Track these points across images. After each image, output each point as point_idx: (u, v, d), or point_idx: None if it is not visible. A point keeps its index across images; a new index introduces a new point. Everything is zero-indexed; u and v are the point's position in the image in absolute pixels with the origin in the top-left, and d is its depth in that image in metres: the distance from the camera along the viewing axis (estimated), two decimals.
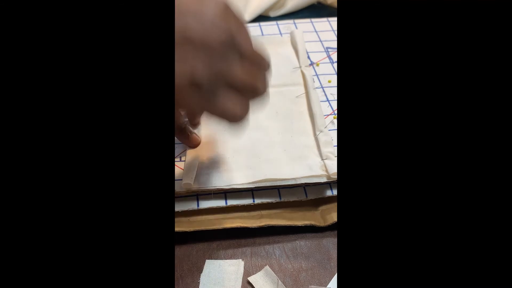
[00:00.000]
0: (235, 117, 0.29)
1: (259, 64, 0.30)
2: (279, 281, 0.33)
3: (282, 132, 0.42)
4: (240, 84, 0.28)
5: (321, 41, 0.54)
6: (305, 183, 0.37)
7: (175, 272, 0.34)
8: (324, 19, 0.58)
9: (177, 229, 0.35)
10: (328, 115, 0.44)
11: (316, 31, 0.56)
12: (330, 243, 0.36)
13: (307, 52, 0.52)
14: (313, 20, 0.58)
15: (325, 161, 0.38)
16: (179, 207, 0.36)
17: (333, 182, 0.37)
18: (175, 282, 0.33)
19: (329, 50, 0.53)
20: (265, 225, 0.36)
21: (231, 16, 0.28)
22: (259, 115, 0.43)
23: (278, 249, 0.36)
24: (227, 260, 0.34)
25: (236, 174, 0.37)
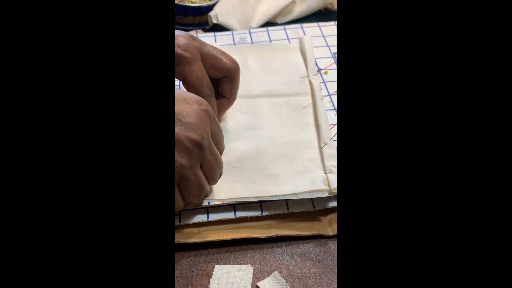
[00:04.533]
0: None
1: (216, 165, 0.36)
2: (288, 286, 0.33)
3: (288, 143, 0.42)
4: (193, 183, 0.34)
5: (328, 46, 0.55)
6: (307, 198, 0.37)
7: (185, 278, 0.34)
8: (332, 23, 0.59)
9: (187, 240, 0.36)
10: (334, 125, 0.44)
11: (323, 36, 0.56)
12: None
13: (315, 59, 0.52)
14: (321, 24, 0.58)
15: (328, 175, 0.38)
16: (189, 219, 0.37)
17: (335, 196, 0.38)
18: (185, 287, 0.33)
19: (336, 55, 0.53)
20: (274, 235, 0.36)
21: (209, 122, 0.34)
22: (267, 125, 0.44)
23: (286, 254, 0.36)
24: (236, 266, 0.35)
25: (240, 186, 0.38)
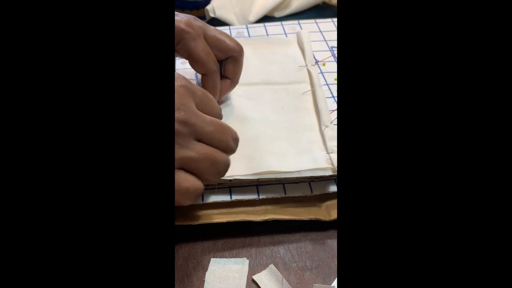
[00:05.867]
0: (186, 193, 0.31)
1: (220, 132, 0.33)
2: (284, 279, 0.33)
3: (288, 127, 0.42)
4: (199, 159, 0.31)
5: (325, 40, 0.55)
6: (310, 176, 0.37)
7: (181, 271, 0.34)
8: (329, 19, 0.58)
9: (182, 222, 0.35)
10: (333, 110, 0.44)
11: (320, 31, 0.56)
12: (334, 242, 0.36)
13: (313, 52, 0.52)
14: (318, 20, 0.58)
15: (331, 154, 0.38)
16: None
17: (333, 180, 0.38)
18: (181, 280, 0.33)
19: (333, 49, 0.53)
20: (270, 219, 0.36)
21: (189, 95, 0.32)
22: (265, 109, 0.44)
23: (282, 248, 0.36)
24: (232, 259, 0.35)
25: (239, 164, 0.37)
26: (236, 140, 0.34)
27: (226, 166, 0.33)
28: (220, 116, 0.35)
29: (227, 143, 0.33)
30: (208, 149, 0.32)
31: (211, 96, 0.35)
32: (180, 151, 0.31)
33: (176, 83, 0.32)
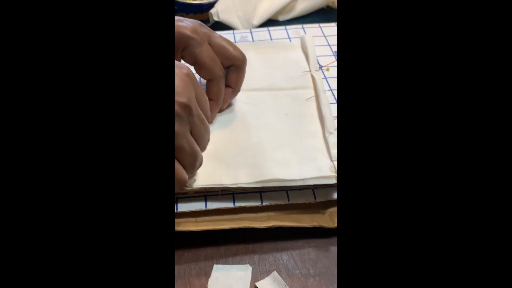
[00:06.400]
0: (177, 183, 0.32)
1: (205, 130, 0.34)
2: (287, 286, 0.33)
3: (291, 133, 0.42)
4: (188, 152, 0.32)
5: (329, 45, 0.54)
6: (314, 184, 0.37)
7: (184, 277, 0.34)
8: (333, 23, 0.58)
9: (184, 228, 0.35)
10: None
11: (324, 36, 0.56)
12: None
13: (316, 57, 0.52)
14: (322, 25, 0.58)
15: (334, 162, 0.38)
16: (186, 207, 0.36)
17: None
18: (184, 287, 0.33)
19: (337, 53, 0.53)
20: (273, 225, 0.36)
21: (192, 86, 0.33)
22: (268, 116, 0.43)
23: (286, 254, 0.36)
24: (235, 265, 0.35)
25: (242, 171, 0.37)
26: (208, 140, 0.37)
27: (200, 163, 0.35)
28: (208, 116, 0.36)
29: (205, 143, 0.36)
30: (196, 145, 0.33)
31: (206, 97, 0.36)
32: (179, 139, 0.31)
33: (181, 70, 0.32)
